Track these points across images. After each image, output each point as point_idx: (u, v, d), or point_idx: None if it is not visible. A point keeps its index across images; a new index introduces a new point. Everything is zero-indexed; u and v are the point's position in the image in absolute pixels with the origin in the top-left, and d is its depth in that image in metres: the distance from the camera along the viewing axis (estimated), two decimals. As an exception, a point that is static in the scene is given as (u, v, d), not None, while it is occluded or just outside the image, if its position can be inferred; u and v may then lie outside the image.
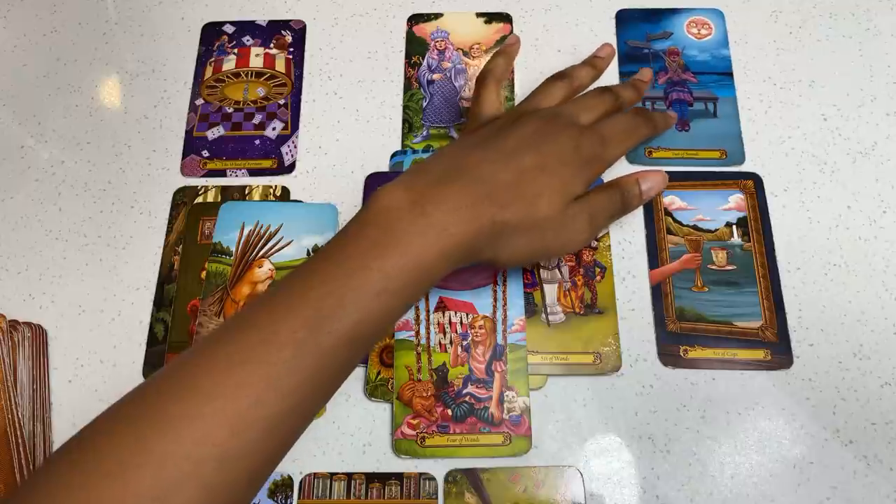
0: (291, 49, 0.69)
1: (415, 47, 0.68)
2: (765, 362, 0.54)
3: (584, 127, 0.51)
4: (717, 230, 0.58)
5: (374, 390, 0.54)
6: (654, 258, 0.58)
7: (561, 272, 0.58)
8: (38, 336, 0.56)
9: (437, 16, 0.69)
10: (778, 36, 0.67)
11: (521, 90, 0.66)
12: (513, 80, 0.66)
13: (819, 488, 0.50)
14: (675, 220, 0.59)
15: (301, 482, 0.52)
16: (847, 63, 0.65)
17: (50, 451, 0.54)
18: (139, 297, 0.59)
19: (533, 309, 0.56)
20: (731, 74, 0.65)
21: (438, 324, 0.55)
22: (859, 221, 0.59)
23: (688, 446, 0.52)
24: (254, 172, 0.63)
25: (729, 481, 0.51)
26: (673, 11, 0.68)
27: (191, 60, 0.69)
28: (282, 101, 0.66)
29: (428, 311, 0.55)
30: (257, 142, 0.65)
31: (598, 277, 0.57)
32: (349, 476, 0.52)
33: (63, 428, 0.55)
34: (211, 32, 0.70)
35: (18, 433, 0.52)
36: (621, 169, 0.62)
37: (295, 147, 0.64)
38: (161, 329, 0.57)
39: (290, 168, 0.63)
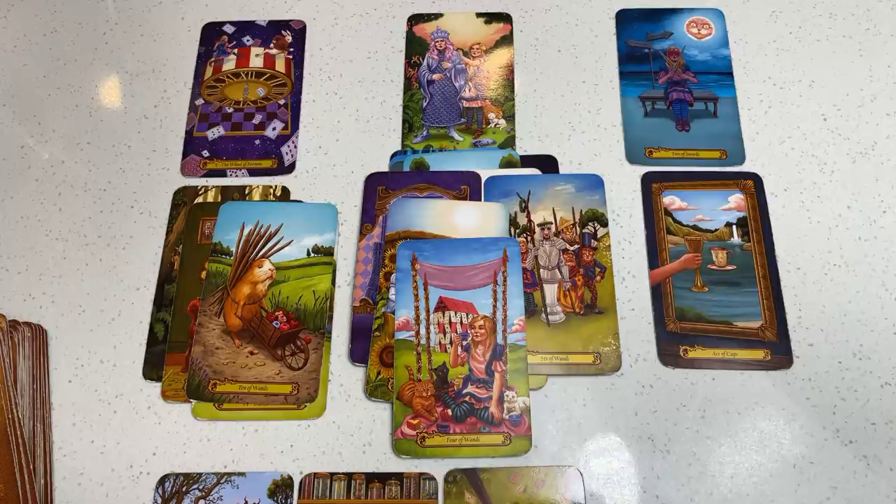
0: (291, 49, 0.69)
1: (415, 47, 0.68)
2: (765, 362, 0.54)
3: None
4: (717, 230, 0.58)
5: (374, 390, 0.54)
6: (654, 258, 0.58)
7: (561, 272, 0.58)
8: (38, 336, 0.56)
9: (437, 16, 0.69)
10: (778, 36, 0.67)
11: (521, 89, 0.66)
12: (513, 79, 0.66)
13: (819, 488, 0.50)
14: (675, 220, 0.59)
15: (301, 482, 0.52)
16: (847, 63, 0.65)
17: (50, 451, 0.54)
18: (139, 297, 0.59)
19: (533, 309, 0.56)
20: (731, 74, 0.65)
21: (438, 324, 0.55)
22: (859, 221, 0.59)
23: (688, 446, 0.52)
24: (254, 172, 0.63)
25: (729, 481, 0.51)
26: (673, 11, 0.68)
27: (191, 60, 0.69)
28: (282, 101, 0.66)
29: (428, 311, 0.55)
30: (257, 142, 0.65)
31: (598, 277, 0.57)
32: (349, 476, 0.52)
33: (63, 428, 0.55)
34: (211, 32, 0.70)
35: (18, 433, 0.52)
36: (622, 168, 0.62)
37: (295, 147, 0.64)
38: (161, 329, 0.57)
39: (290, 168, 0.63)
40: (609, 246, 0.58)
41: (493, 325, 0.55)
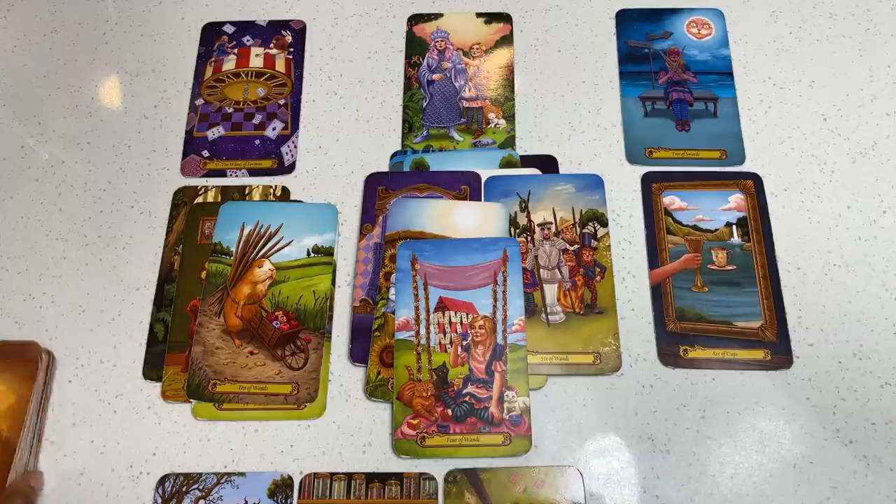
0: (291, 49, 0.69)
1: (415, 47, 0.68)
2: (765, 362, 0.54)
3: None
4: (717, 230, 0.58)
5: (374, 390, 0.54)
6: (654, 258, 0.58)
7: (561, 272, 0.58)
8: (53, 363, 0.56)
9: (437, 16, 0.69)
10: (778, 36, 0.67)
11: (521, 89, 0.66)
12: (513, 79, 0.66)
13: (819, 488, 0.50)
14: (675, 220, 0.59)
15: (301, 482, 0.52)
16: (847, 63, 0.65)
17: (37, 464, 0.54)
18: (139, 297, 0.59)
19: (533, 309, 0.56)
20: (731, 74, 0.65)
21: (438, 324, 0.55)
22: (859, 221, 0.59)
23: (688, 446, 0.52)
24: (254, 172, 0.63)
25: (729, 481, 0.51)
26: (673, 11, 0.68)
27: (191, 60, 0.69)
28: (282, 101, 0.66)
29: (428, 311, 0.55)
30: (257, 142, 0.65)
31: (598, 277, 0.57)
32: (349, 476, 0.52)
33: (63, 428, 0.55)
34: (211, 32, 0.70)
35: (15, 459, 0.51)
36: (622, 168, 0.62)
37: (295, 147, 0.64)
38: (161, 329, 0.57)
39: (290, 168, 0.63)
40: (609, 246, 0.58)
41: (493, 325, 0.55)
